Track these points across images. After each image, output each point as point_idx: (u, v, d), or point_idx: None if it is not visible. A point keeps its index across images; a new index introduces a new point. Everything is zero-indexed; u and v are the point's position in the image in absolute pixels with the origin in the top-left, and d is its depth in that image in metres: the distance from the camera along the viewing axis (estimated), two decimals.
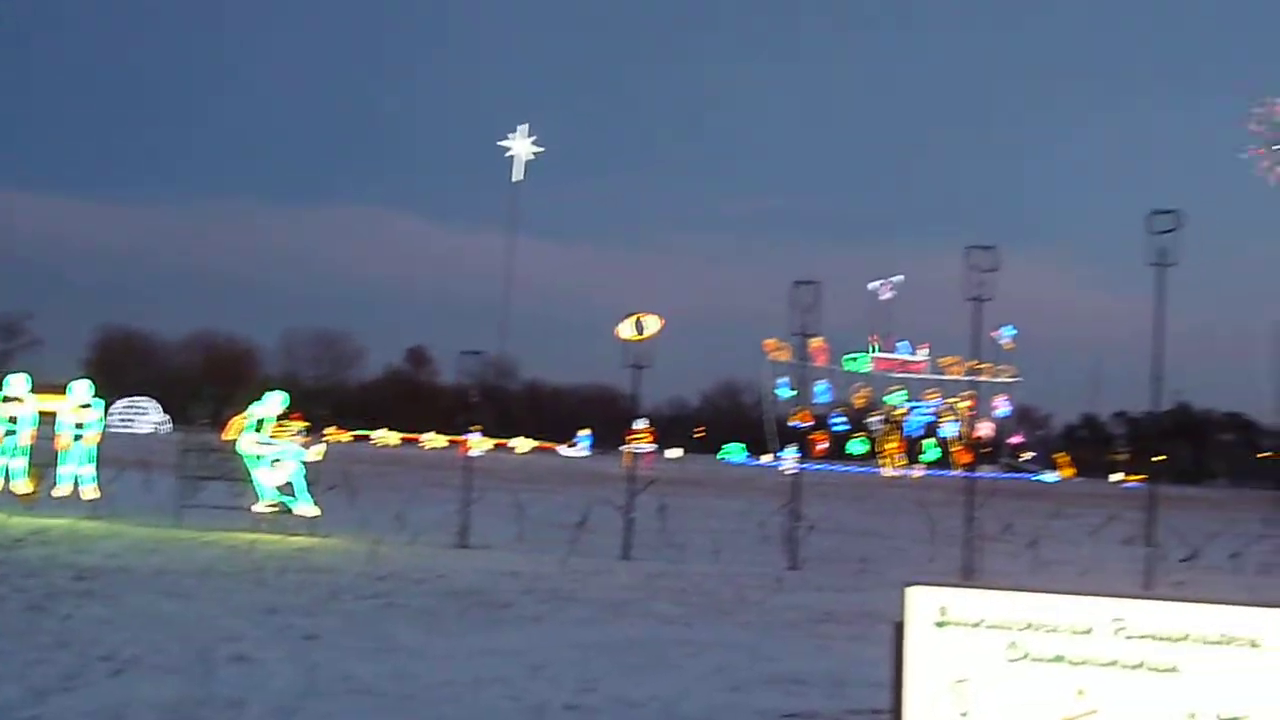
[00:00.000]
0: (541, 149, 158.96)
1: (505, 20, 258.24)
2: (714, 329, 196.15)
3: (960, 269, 25.30)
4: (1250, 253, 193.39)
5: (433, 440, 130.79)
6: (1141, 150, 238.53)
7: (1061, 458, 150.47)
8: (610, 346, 26.66)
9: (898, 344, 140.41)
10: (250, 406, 26.31)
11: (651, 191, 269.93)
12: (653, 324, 28.18)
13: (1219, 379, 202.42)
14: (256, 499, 25.61)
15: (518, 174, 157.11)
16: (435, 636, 13.81)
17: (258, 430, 25.89)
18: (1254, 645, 6.01)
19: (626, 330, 28.11)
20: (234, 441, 26.17)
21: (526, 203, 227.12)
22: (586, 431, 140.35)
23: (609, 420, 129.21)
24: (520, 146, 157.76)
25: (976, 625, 6.20)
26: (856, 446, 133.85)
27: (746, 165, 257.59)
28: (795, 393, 55.04)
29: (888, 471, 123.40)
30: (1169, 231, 23.90)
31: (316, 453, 26.33)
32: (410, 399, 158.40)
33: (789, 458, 56.57)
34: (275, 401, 26.20)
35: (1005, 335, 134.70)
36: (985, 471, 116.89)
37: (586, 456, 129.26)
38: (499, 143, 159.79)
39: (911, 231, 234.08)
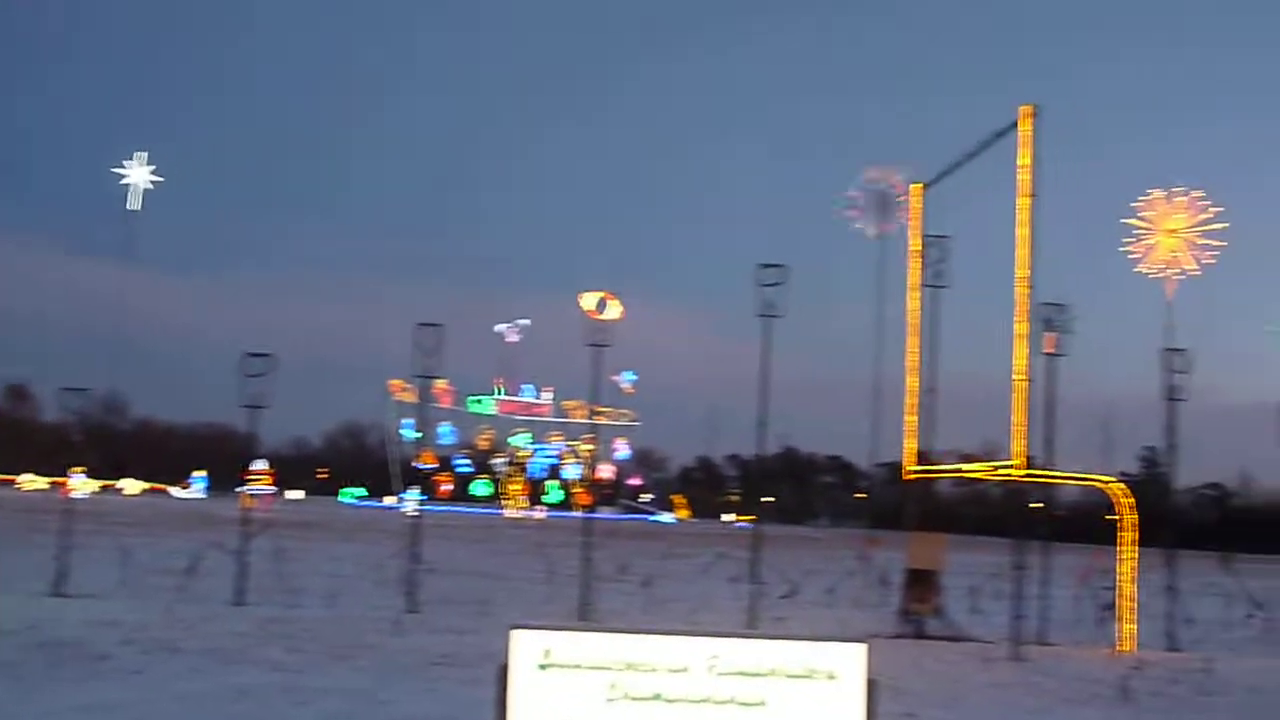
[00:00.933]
0: (161, 179, 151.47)
1: (129, 45, 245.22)
2: (339, 368, 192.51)
3: (582, 315, 25.98)
4: (851, 304, 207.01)
5: (31, 482, 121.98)
6: (754, 203, 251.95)
7: (678, 499, 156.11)
8: (228, 384, 25.54)
9: (523, 387, 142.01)
10: None
11: (276, 227, 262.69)
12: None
13: (822, 424, 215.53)
14: None
15: (134, 203, 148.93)
16: (21, 693, 12.79)
17: None
18: (832, 677, 6.39)
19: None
20: None
21: (145, 233, 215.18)
22: (202, 472, 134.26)
23: (226, 460, 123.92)
24: (137, 175, 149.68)
25: (578, 667, 6.30)
26: (481, 488, 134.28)
27: (374, 205, 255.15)
28: (420, 434, 54.57)
29: (511, 513, 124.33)
30: (775, 285, 25.38)
31: None
32: (6, 438, 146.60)
33: (411, 500, 56.05)
34: None
35: (626, 380, 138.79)
36: (605, 513, 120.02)
37: (201, 499, 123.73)
38: (114, 170, 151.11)
39: (539, 277, 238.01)
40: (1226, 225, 51.30)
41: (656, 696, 6.32)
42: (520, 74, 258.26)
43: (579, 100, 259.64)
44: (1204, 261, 51.07)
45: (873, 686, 6.43)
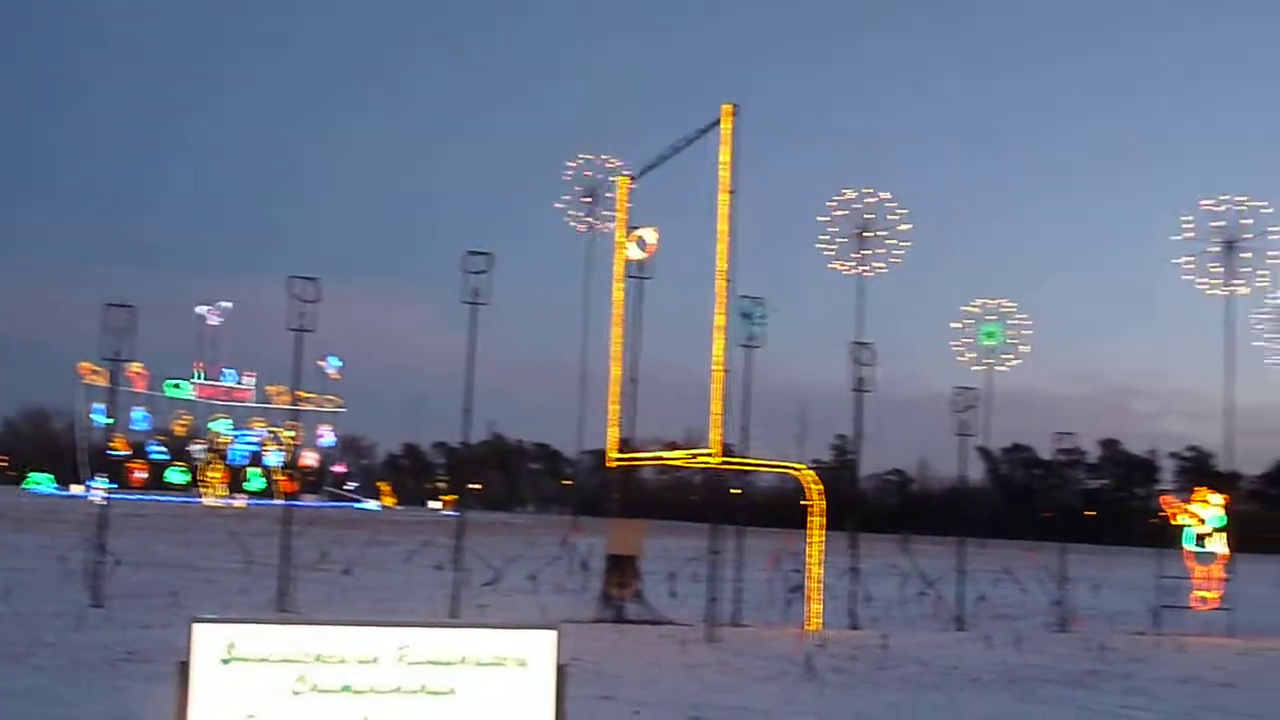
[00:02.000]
0: None
1: None
2: (22, 350, 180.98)
3: (286, 298, 25.32)
4: (558, 294, 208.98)
5: None
6: (463, 191, 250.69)
7: (384, 486, 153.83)
8: None
9: (224, 371, 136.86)
10: None
11: None
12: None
13: (529, 411, 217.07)
14: None
15: None
16: None
17: None
18: (522, 664, 6.49)
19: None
20: None
21: None
22: None
23: None
24: None
25: (264, 660, 6.18)
26: (177, 475, 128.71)
27: (67, 181, 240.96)
28: (111, 419, 51.81)
29: (209, 501, 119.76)
30: (482, 272, 25.38)
31: None
32: None
33: (99, 488, 53.24)
34: None
35: (331, 365, 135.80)
36: (309, 500, 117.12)
37: None
38: None
39: (244, 259, 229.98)
40: (910, 226, 54.44)
41: (345, 688, 6.26)
42: (209, 45, 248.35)
43: (293, 85, 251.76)
44: (891, 259, 54.02)
45: (562, 672, 6.56)
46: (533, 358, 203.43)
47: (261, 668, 6.20)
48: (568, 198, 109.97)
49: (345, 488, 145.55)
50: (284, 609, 23.67)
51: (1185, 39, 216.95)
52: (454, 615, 23.42)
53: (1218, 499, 31.60)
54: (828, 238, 56.82)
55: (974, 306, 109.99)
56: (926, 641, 24.84)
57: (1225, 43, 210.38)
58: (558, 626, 6.68)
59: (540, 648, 6.52)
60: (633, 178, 31.35)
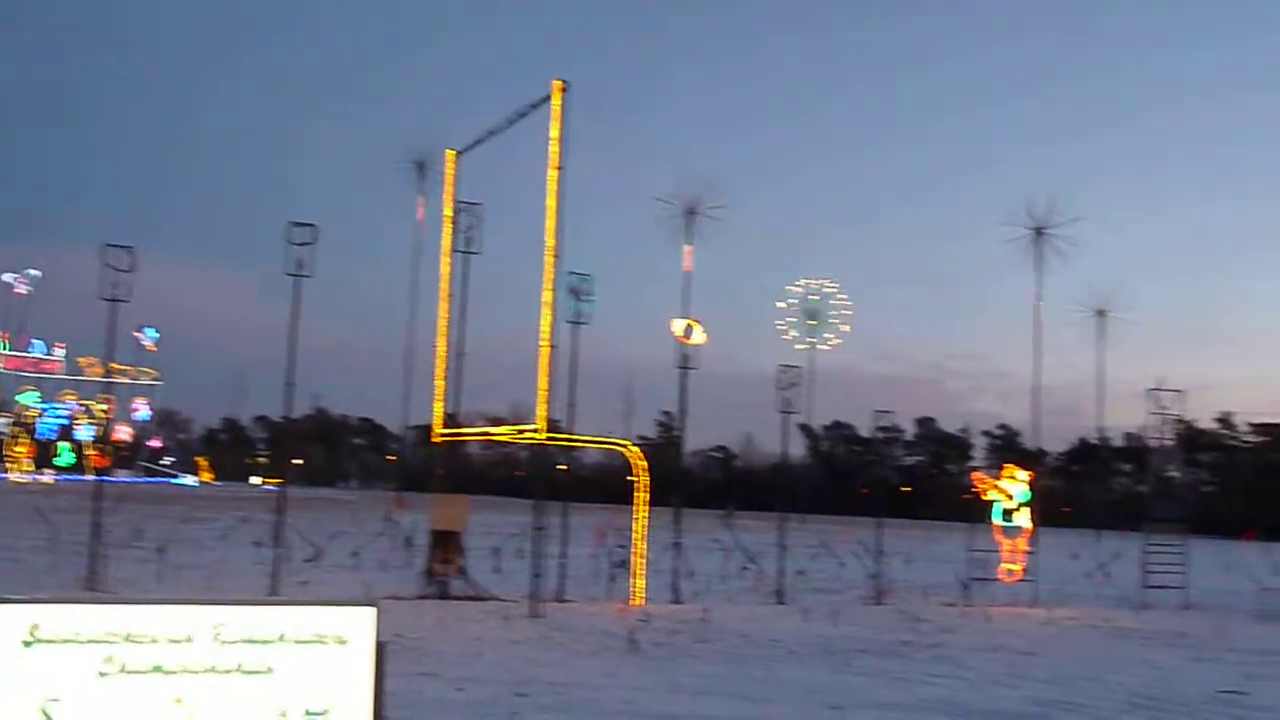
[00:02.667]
0: None
1: None
2: None
3: (100, 267, 24.45)
4: (383, 267, 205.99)
5: None
6: (287, 161, 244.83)
7: (202, 461, 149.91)
8: None
9: (32, 342, 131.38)
10: None
11: None
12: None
13: (354, 386, 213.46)
14: None
15: None
16: None
17: None
18: (342, 642, 6.40)
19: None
20: None
21: None
22: None
23: None
24: None
25: (70, 641, 5.97)
26: None
27: None
28: None
29: (16, 477, 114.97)
30: (306, 244, 24.86)
31: None
32: None
33: None
34: None
35: (148, 337, 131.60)
36: (123, 476, 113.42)
37: None
38: None
39: (55, 228, 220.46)
40: (724, 205, 55.19)
41: (156, 669, 6.09)
42: (18, 4, 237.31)
43: (112, 51, 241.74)
44: (718, 237, 54.69)
45: (382, 650, 6.50)
46: (358, 332, 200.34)
47: (66, 649, 5.98)
48: (394, 170, 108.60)
49: (161, 463, 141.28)
50: (93, 588, 22.90)
51: (1029, 40, 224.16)
52: (273, 593, 22.98)
53: (1024, 475, 32.91)
54: (659, 216, 57.74)
55: (797, 286, 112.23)
56: (747, 615, 25.34)
57: (1045, 43, 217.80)
58: (377, 603, 6.62)
59: (360, 625, 6.45)
60: (460, 152, 31.06)
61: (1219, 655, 22.00)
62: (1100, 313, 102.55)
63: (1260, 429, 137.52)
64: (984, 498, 32.46)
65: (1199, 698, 16.53)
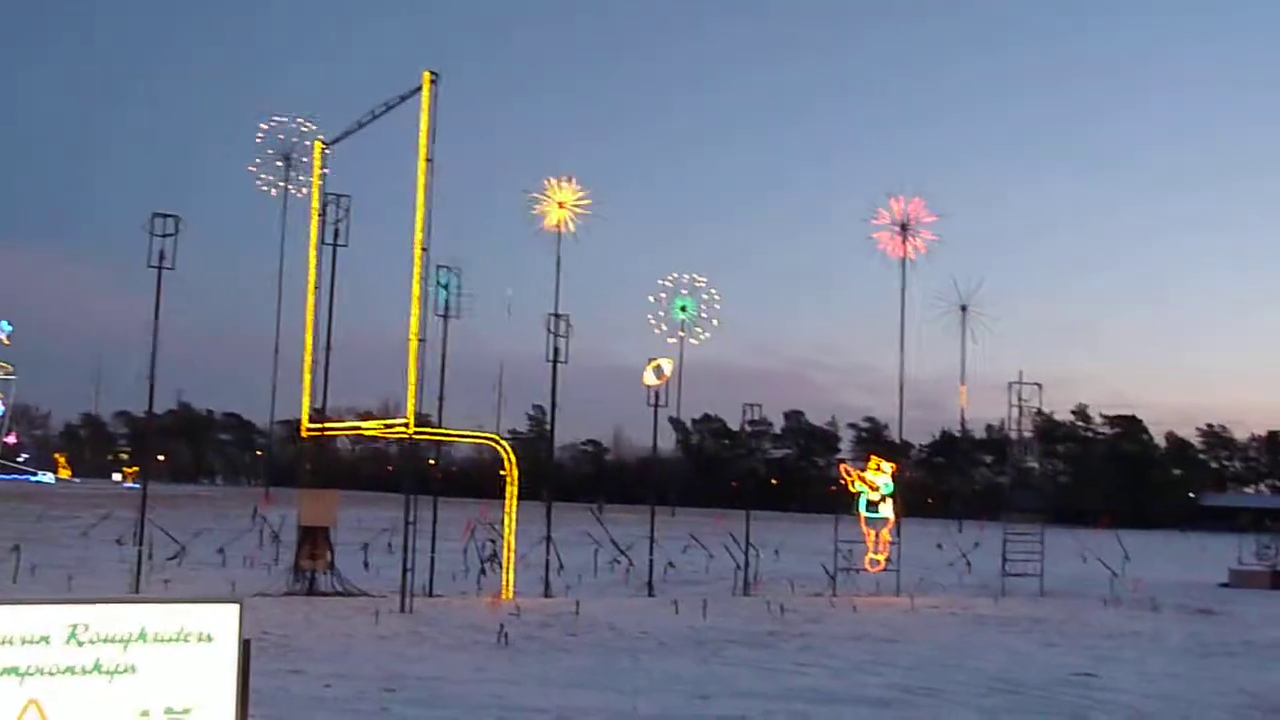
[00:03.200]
0: None
1: None
2: None
3: None
4: (249, 261, 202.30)
5: None
6: (149, 150, 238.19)
7: (60, 458, 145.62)
8: None
9: None
10: None
11: None
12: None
13: (219, 380, 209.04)
14: None
15: None
16: None
17: None
18: (206, 639, 6.35)
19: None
20: None
21: None
22: None
23: None
24: None
25: None
26: None
27: None
28: None
29: None
30: (169, 235, 24.34)
31: None
32: None
33: None
34: None
35: (2, 330, 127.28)
36: None
37: None
38: None
39: None
40: (593, 200, 55.42)
41: (9, 671, 5.97)
42: None
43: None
44: (587, 231, 54.81)
45: (246, 646, 6.46)
46: (224, 326, 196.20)
47: None
48: (260, 161, 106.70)
49: (17, 460, 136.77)
50: None
51: (887, 31, 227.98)
52: (135, 591, 22.48)
53: (888, 466, 33.62)
54: (527, 210, 57.59)
55: (668, 281, 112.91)
56: (617, 608, 25.49)
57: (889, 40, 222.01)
58: (241, 600, 6.58)
59: (223, 622, 6.41)
60: (328, 144, 30.66)
61: (1072, 639, 22.78)
62: (963, 308, 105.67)
63: (1113, 421, 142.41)
64: (851, 490, 33.07)
65: (1052, 680, 17.11)
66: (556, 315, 29.62)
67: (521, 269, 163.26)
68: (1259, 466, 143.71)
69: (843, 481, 34.31)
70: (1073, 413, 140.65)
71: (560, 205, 54.66)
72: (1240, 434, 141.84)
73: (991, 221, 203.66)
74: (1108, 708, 14.96)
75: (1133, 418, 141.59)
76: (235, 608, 6.48)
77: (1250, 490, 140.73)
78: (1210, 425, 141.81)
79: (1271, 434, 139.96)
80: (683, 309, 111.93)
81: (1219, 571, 42.25)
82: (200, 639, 6.33)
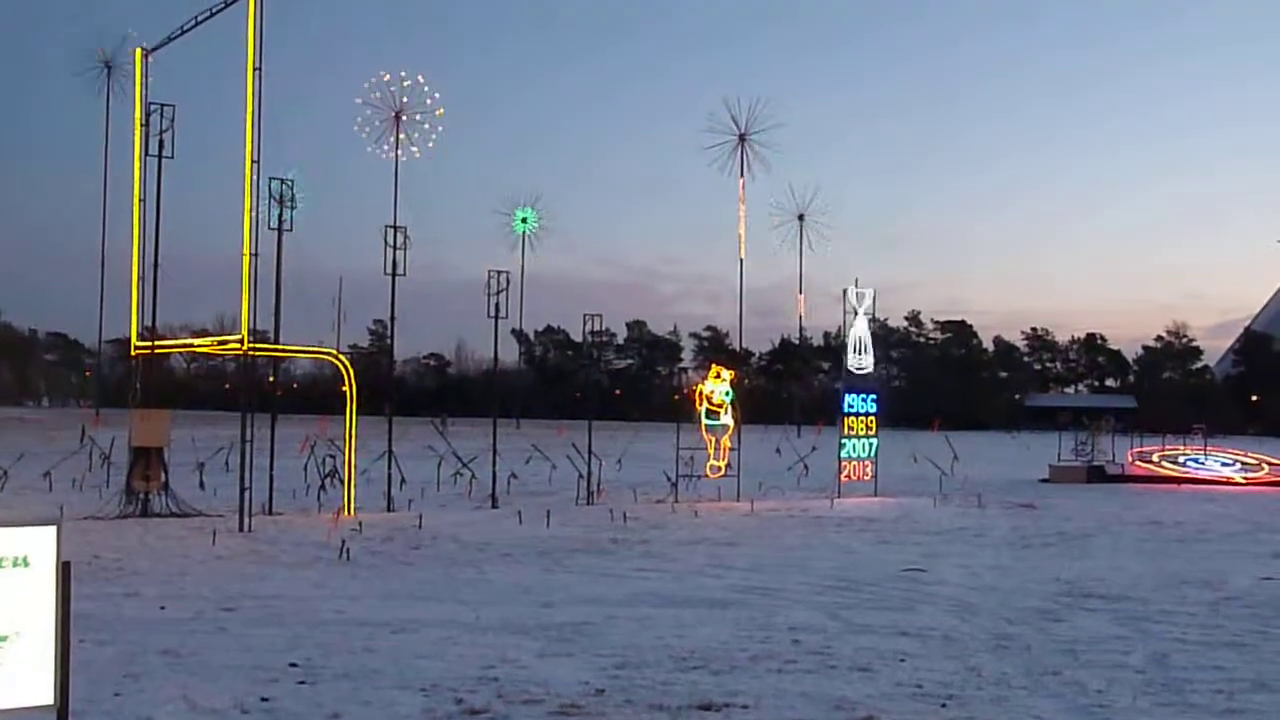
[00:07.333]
0: None
1: None
2: None
3: None
4: (71, 173, 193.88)
5: None
6: None
7: None
8: None
9: None
10: None
11: None
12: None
13: (43, 298, 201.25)
14: None
15: None
16: None
17: None
18: (22, 564, 6.16)
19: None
20: None
21: None
22: None
23: None
24: None
25: None
26: None
27: None
28: None
29: None
30: None
31: None
32: None
33: None
34: None
35: None
36: None
37: None
38: None
39: None
40: (442, 111, 54.22)
41: None
42: None
43: None
44: (427, 144, 53.70)
45: (66, 569, 6.29)
46: (45, 242, 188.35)
47: None
48: (83, 71, 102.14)
49: None
50: None
51: None
52: None
53: (727, 374, 34.08)
54: (362, 121, 56.22)
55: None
56: (461, 520, 25.51)
57: None
58: (58, 521, 6.38)
59: (41, 545, 6.22)
60: (149, 49, 29.39)
61: (903, 537, 23.58)
62: (800, 217, 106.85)
63: (944, 326, 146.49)
64: (698, 410, 33.42)
65: (884, 577, 17.71)
66: (394, 227, 29.11)
67: (362, 179, 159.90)
68: (1078, 368, 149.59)
69: (689, 398, 34.95)
70: (906, 319, 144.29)
71: (398, 115, 53.69)
72: (1062, 337, 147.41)
73: (831, 127, 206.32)
74: (935, 599, 15.57)
75: (963, 323, 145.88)
76: (53, 530, 6.29)
77: (1070, 390, 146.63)
78: (1035, 329, 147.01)
79: (1089, 336, 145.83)
80: (523, 220, 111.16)
81: (1041, 469, 44.15)
82: (16, 563, 6.14)
